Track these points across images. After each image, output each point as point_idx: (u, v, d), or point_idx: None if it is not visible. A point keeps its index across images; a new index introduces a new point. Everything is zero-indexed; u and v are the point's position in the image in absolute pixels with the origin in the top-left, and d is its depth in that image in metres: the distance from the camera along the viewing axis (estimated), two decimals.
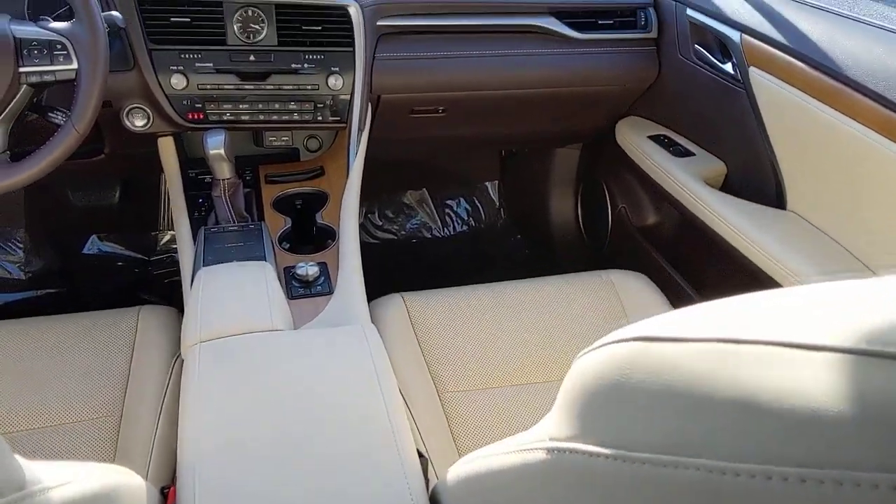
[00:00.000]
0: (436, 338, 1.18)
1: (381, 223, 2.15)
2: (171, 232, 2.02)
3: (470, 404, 1.12)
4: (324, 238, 1.29)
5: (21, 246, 1.92)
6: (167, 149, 1.41)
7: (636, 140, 1.55)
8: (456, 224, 2.20)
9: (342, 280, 1.13)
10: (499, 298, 1.26)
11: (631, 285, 1.31)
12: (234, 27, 1.27)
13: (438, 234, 2.18)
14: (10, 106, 1.06)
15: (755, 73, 1.24)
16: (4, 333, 1.15)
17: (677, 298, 1.33)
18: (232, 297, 1.00)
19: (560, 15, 1.45)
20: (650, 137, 1.53)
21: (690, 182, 1.36)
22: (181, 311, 1.22)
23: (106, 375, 1.10)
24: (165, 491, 0.75)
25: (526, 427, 0.47)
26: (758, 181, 1.31)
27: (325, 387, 0.83)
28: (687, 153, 1.45)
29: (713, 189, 1.34)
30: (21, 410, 1.04)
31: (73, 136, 1.07)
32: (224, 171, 1.25)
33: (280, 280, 1.13)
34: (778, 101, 1.20)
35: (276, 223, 1.31)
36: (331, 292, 1.12)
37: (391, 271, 2.03)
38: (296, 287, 1.13)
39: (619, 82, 1.52)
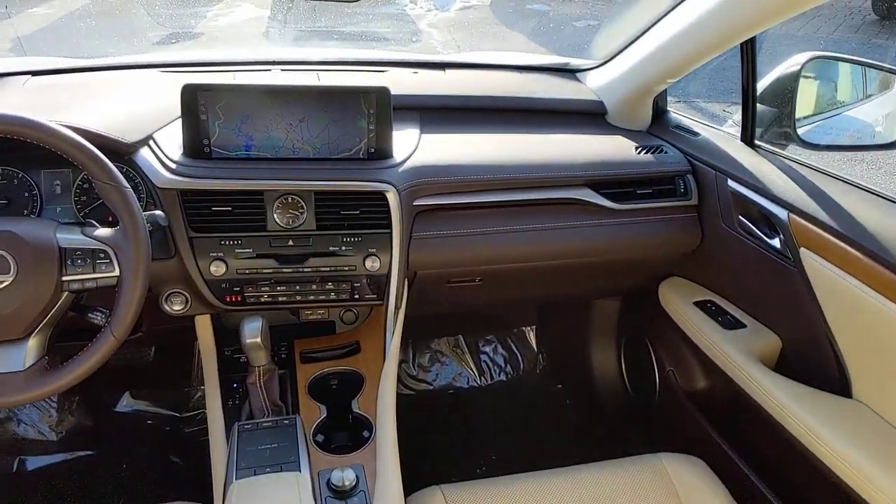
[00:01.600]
0: None
1: (415, 373, 2.10)
2: (203, 388, 1.99)
3: None
4: (360, 428, 1.24)
5: (55, 405, 1.91)
6: (204, 328, 1.40)
7: (681, 305, 1.50)
8: (493, 372, 2.14)
9: (379, 495, 1.07)
10: (546, 492, 1.18)
11: (687, 474, 1.22)
12: (275, 214, 1.28)
13: (476, 384, 2.12)
14: (52, 313, 1.06)
15: (807, 255, 1.20)
16: None
17: (737, 486, 1.23)
18: None
19: (596, 186, 1.43)
20: (696, 304, 1.48)
21: (744, 361, 1.29)
22: None
23: None
24: None
25: None
26: (817, 362, 1.24)
27: None
28: (737, 324, 1.39)
29: (769, 371, 1.27)
30: None
31: (111, 343, 1.06)
32: (260, 358, 1.23)
33: (314, 488, 1.07)
34: (835, 287, 1.15)
35: (311, 413, 1.26)
36: None
37: (428, 428, 1.96)
38: (332, 500, 1.07)
39: (660, 249, 1.49)
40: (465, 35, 7.02)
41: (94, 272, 1.05)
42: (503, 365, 2.16)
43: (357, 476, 1.09)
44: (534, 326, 2.22)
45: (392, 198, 1.29)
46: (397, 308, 1.34)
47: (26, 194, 1.33)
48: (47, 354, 1.08)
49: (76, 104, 1.32)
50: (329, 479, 1.08)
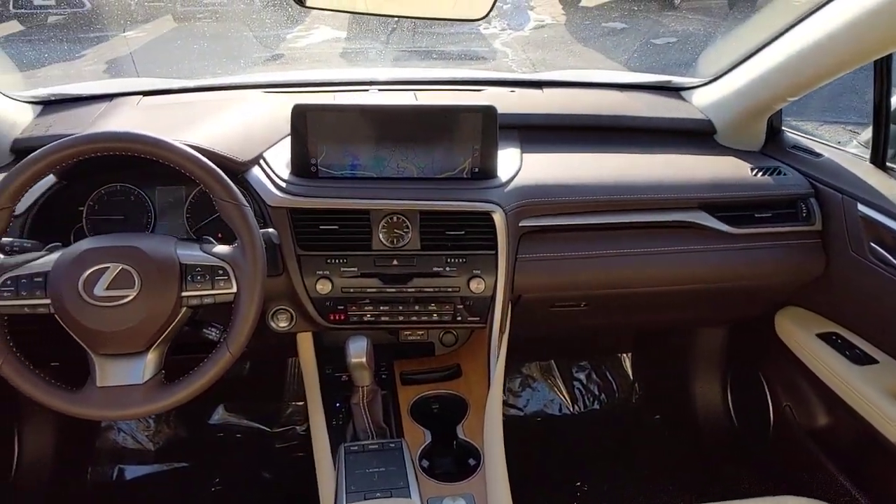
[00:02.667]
0: None
1: (505, 397, 2.05)
2: (295, 403, 2.01)
3: None
4: (465, 455, 1.21)
5: (153, 416, 1.96)
6: (306, 346, 1.40)
7: (802, 337, 1.40)
8: (586, 399, 2.06)
9: None
10: None
11: None
12: (380, 233, 1.28)
13: (568, 412, 2.05)
14: (170, 328, 1.07)
15: None
16: None
17: None
18: None
19: (712, 209, 1.36)
20: (819, 336, 1.38)
21: (879, 399, 1.19)
22: None
23: None
24: None
25: None
26: None
27: None
28: (868, 359, 1.29)
29: None
30: None
31: (226, 359, 1.07)
32: (364, 378, 1.21)
33: None
34: None
35: (415, 437, 1.24)
36: None
37: (519, 456, 1.90)
38: None
39: (779, 277, 1.40)
40: (541, 54, 6.99)
41: (212, 288, 1.07)
42: (597, 393, 2.08)
43: None
44: (629, 353, 2.13)
45: (498, 218, 1.26)
46: (501, 332, 1.30)
47: (141, 210, 1.38)
48: (163, 368, 1.10)
49: (189, 123, 1.36)
50: None
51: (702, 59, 1.92)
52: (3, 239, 1.06)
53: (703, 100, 1.65)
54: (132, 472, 1.86)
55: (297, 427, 1.96)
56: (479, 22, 1.22)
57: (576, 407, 2.06)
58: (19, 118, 1.51)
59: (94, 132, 1.05)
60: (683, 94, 1.74)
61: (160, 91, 1.67)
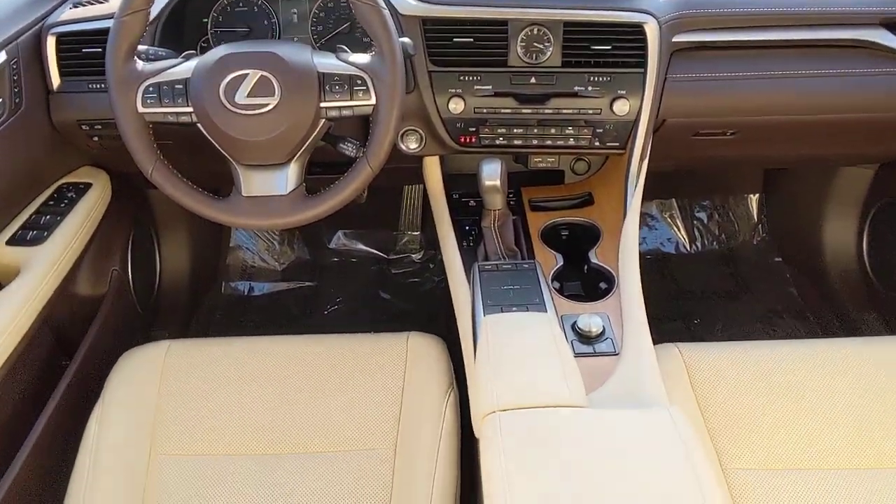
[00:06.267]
0: (718, 402, 1.06)
1: None
2: (411, 233, 2.05)
3: (759, 486, 0.98)
4: (596, 279, 1.20)
5: (277, 237, 2.06)
6: (432, 170, 1.39)
7: None
8: (706, 239, 2.00)
9: (628, 342, 1.03)
10: (794, 360, 1.10)
11: None
12: (518, 47, 1.20)
13: (685, 250, 2.00)
14: (310, 140, 1.07)
15: None
16: (276, 348, 1.19)
17: None
18: (523, 361, 0.94)
19: (894, 27, 1.20)
20: None
21: None
22: (445, 339, 1.21)
23: (378, 405, 1.10)
24: None
25: None
26: None
27: (639, 479, 0.75)
28: None
29: None
30: (294, 432, 1.08)
31: (366, 174, 1.07)
32: (496, 202, 1.20)
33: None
34: None
35: (547, 260, 1.23)
36: (615, 352, 1.03)
37: None
38: (578, 343, 1.05)
39: None
40: None
41: (351, 99, 1.04)
42: (717, 233, 2.01)
43: (603, 324, 1.06)
44: (756, 194, 2.02)
45: (651, 31, 1.16)
46: (642, 158, 1.24)
47: (265, 23, 1.34)
48: (304, 182, 1.11)
49: None
50: (575, 323, 1.06)
51: None
52: (139, 46, 1.04)
53: None
54: (261, 288, 2.00)
55: (413, 255, 2.03)
56: None
57: (693, 246, 2.00)
58: None
59: None
60: None
61: None
